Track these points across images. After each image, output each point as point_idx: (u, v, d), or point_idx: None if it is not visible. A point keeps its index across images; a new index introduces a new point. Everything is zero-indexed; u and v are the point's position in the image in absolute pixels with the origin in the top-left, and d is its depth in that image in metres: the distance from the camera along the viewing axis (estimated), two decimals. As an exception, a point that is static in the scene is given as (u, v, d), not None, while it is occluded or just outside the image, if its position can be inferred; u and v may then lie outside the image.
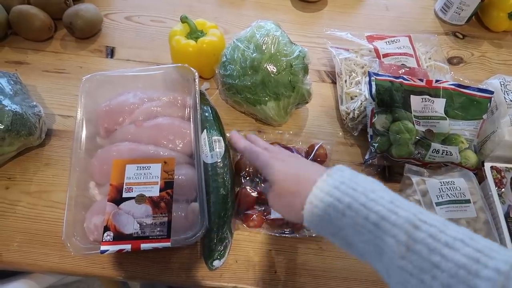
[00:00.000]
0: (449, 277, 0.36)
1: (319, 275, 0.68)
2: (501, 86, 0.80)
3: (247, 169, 0.74)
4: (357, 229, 0.43)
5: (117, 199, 0.64)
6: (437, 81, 0.77)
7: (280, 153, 0.58)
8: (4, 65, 0.87)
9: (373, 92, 0.76)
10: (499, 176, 0.73)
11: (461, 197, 0.69)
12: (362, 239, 0.43)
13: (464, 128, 0.77)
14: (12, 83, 0.74)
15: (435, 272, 0.37)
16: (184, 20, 0.81)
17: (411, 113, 0.75)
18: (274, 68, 0.74)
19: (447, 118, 0.76)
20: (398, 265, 0.39)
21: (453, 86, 0.77)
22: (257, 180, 0.74)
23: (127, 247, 0.60)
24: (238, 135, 0.66)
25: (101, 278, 0.88)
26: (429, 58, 0.94)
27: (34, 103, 0.75)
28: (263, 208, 0.71)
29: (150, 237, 0.61)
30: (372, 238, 0.42)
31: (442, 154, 0.73)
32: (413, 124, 0.74)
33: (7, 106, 0.68)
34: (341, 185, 0.46)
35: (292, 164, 0.55)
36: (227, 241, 0.66)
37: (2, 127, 0.66)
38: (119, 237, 0.61)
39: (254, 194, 0.71)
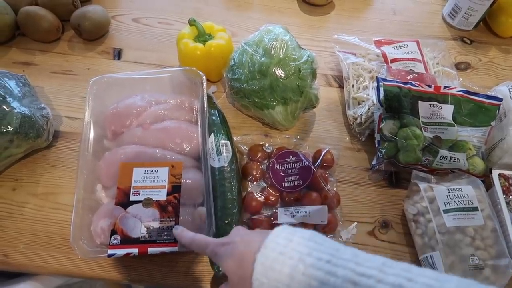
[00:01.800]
0: None
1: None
2: (510, 93, 0.79)
3: (254, 173, 0.74)
4: None
5: (124, 202, 0.64)
6: (445, 87, 0.77)
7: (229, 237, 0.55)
8: (11, 65, 0.88)
9: (381, 98, 0.76)
10: (507, 183, 0.72)
11: (468, 204, 0.68)
12: None
13: (472, 135, 0.76)
14: (21, 85, 0.74)
15: None
16: (192, 23, 0.81)
17: (419, 119, 0.75)
18: (283, 72, 0.74)
19: (455, 125, 0.75)
20: None
21: (461, 93, 0.77)
22: (264, 185, 0.74)
23: (134, 251, 0.60)
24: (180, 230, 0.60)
25: (106, 281, 0.88)
26: (437, 64, 0.94)
27: (42, 105, 0.75)
28: (270, 213, 0.71)
29: (157, 241, 0.61)
30: None
31: (449, 160, 0.73)
32: (421, 130, 0.74)
33: (15, 109, 0.68)
34: (279, 254, 0.45)
35: (235, 245, 0.52)
36: (233, 246, 0.66)
37: (10, 129, 0.66)
38: (126, 240, 0.61)
39: (261, 199, 0.71)
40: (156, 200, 0.64)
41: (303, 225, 0.69)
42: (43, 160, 0.76)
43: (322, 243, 0.45)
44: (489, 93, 0.80)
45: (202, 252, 0.57)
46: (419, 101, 0.76)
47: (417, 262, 0.69)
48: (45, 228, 0.69)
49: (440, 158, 0.73)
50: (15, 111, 0.68)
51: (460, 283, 0.37)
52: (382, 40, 0.94)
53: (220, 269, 0.64)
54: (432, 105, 0.76)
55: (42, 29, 0.88)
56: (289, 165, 0.74)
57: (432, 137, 0.75)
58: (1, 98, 0.67)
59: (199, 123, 0.73)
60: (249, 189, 0.74)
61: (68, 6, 0.92)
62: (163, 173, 0.66)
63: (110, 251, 0.60)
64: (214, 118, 0.77)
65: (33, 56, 0.90)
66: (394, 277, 0.39)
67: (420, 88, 0.76)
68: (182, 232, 0.59)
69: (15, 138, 0.67)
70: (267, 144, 0.78)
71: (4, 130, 0.66)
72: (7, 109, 0.67)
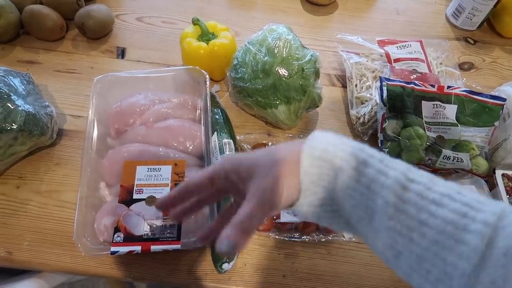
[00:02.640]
0: (438, 233, 0.36)
1: (328, 280, 0.68)
2: (514, 93, 0.79)
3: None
4: (348, 192, 0.41)
5: (128, 200, 0.64)
6: (448, 87, 0.77)
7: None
8: (16, 64, 0.88)
9: (384, 97, 0.76)
10: (510, 184, 0.72)
11: (472, 204, 0.68)
12: (353, 203, 0.41)
13: (475, 135, 0.76)
14: (25, 83, 0.74)
15: (424, 229, 0.36)
16: (195, 22, 0.81)
17: (422, 119, 0.75)
18: (286, 72, 0.74)
19: (459, 125, 0.75)
20: (387, 226, 0.38)
21: (465, 93, 0.77)
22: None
23: (137, 248, 0.60)
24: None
25: (109, 278, 0.89)
26: (440, 64, 0.93)
27: (47, 103, 0.76)
28: (272, 211, 0.71)
29: (160, 239, 0.61)
30: (364, 201, 0.40)
31: (453, 160, 0.73)
32: (424, 130, 0.74)
33: (20, 106, 0.69)
34: (329, 144, 0.42)
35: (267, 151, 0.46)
36: (236, 244, 0.66)
37: (15, 127, 0.66)
38: (129, 238, 0.61)
39: (264, 197, 0.71)
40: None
41: (306, 224, 0.69)
42: (47, 158, 0.76)
43: (370, 148, 0.43)
44: (492, 93, 0.80)
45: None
46: (423, 101, 0.76)
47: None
48: (48, 225, 0.69)
49: (443, 158, 0.73)
50: (20, 109, 0.68)
51: (508, 206, 0.36)
52: (386, 40, 0.94)
53: (223, 267, 0.64)
54: (435, 105, 0.76)
55: (46, 28, 0.89)
56: (292, 164, 0.74)
57: (435, 137, 0.75)
58: (6, 96, 0.68)
59: (202, 122, 0.74)
60: (252, 188, 0.74)
61: (72, 5, 0.93)
62: (166, 172, 0.67)
63: (113, 249, 0.60)
64: (217, 117, 0.77)
65: (37, 54, 0.90)
66: (444, 188, 0.37)
67: (423, 88, 0.76)
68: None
69: (20, 136, 0.68)
70: (270, 143, 0.78)
71: (9, 128, 0.66)
72: (12, 107, 0.67)
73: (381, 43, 0.93)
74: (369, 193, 0.40)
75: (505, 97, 0.77)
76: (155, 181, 0.66)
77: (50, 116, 0.74)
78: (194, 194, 0.49)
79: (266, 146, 0.77)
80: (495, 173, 0.73)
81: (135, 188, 0.65)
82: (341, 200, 0.42)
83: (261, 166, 0.43)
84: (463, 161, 0.73)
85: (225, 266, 0.64)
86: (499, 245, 0.33)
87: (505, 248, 0.32)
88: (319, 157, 0.42)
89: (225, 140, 0.74)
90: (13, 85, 0.72)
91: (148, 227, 0.62)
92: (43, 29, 0.89)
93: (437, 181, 0.39)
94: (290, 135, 0.82)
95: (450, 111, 0.76)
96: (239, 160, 0.46)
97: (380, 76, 0.79)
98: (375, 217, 0.40)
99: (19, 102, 0.69)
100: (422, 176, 0.39)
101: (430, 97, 0.76)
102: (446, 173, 0.77)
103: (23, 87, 0.73)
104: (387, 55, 0.90)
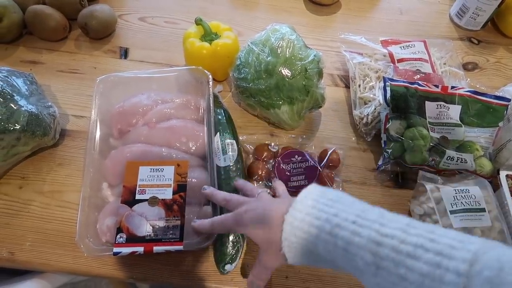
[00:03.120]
0: (418, 287, 0.37)
1: (330, 282, 0.67)
2: (518, 94, 0.79)
3: (260, 173, 0.73)
4: (332, 255, 0.45)
5: (130, 200, 0.64)
6: (452, 87, 0.76)
7: (242, 201, 0.59)
8: (19, 64, 0.88)
9: (387, 98, 0.76)
10: (514, 185, 0.72)
11: (476, 205, 0.68)
12: (340, 262, 0.45)
13: (479, 136, 0.76)
14: (28, 83, 0.74)
15: (405, 284, 0.38)
16: (198, 22, 0.81)
17: (426, 119, 0.75)
18: (289, 72, 0.74)
19: (462, 125, 0.75)
20: (374, 282, 0.42)
21: (469, 93, 0.76)
22: (270, 184, 0.73)
23: (140, 249, 0.60)
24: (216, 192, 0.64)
25: (111, 279, 0.89)
26: (444, 64, 0.93)
27: (49, 103, 0.76)
28: (275, 212, 0.71)
29: (163, 240, 0.61)
30: (347, 262, 0.44)
31: (456, 161, 0.73)
32: (428, 131, 0.73)
33: (23, 107, 0.68)
34: (307, 214, 0.48)
35: (260, 206, 0.56)
36: (239, 245, 0.66)
37: (18, 127, 0.66)
38: (132, 239, 0.61)
39: (267, 198, 0.70)
40: (162, 199, 0.64)
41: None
42: (49, 158, 0.76)
43: (350, 204, 0.48)
44: (497, 93, 0.80)
45: (224, 226, 0.59)
46: (426, 101, 0.75)
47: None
48: (51, 226, 0.69)
49: (447, 159, 0.73)
50: (23, 109, 0.68)
51: (485, 244, 0.37)
52: (389, 40, 0.94)
53: (225, 268, 0.64)
54: (439, 105, 0.75)
55: (49, 28, 0.89)
56: (294, 164, 0.74)
57: (439, 137, 0.74)
58: (9, 96, 0.68)
59: (205, 122, 0.73)
60: (255, 188, 0.74)
61: (75, 5, 0.93)
62: (169, 172, 0.67)
63: (115, 250, 0.60)
64: (220, 117, 0.77)
65: (40, 54, 0.90)
66: (416, 238, 0.39)
67: (427, 88, 0.76)
68: (215, 189, 0.64)
69: (22, 136, 0.68)
70: (272, 144, 0.78)
71: (12, 128, 0.66)
72: (15, 107, 0.67)
73: (385, 43, 0.93)
74: (348, 254, 0.43)
75: (510, 98, 0.76)
76: (158, 182, 0.66)
77: (53, 116, 0.74)
78: None
79: (269, 147, 0.77)
80: (499, 174, 0.73)
81: (137, 188, 0.65)
82: (329, 259, 0.47)
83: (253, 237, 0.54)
84: (467, 162, 0.73)
85: (228, 267, 0.64)
86: None
87: None
88: (297, 227, 0.48)
89: (228, 141, 0.74)
90: (16, 85, 0.72)
91: (151, 227, 0.62)
92: (46, 29, 0.89)
93: (410, 230, 0.41)
94: (293, 136, 0.81)
95: (454, 111, 0.75)
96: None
97: (383, 77, 0.79)
98: (364, 275, 0.43)
99: (22, 102, 0.69)
100: (396, 228, 0.41)
101: (434, 98, 0.75)
102: (450, 174, 0.76)
103: (26, 87, 0.73)
104: (391, 55, 0.89)
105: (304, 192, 0.51)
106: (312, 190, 0.51)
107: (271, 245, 0.51)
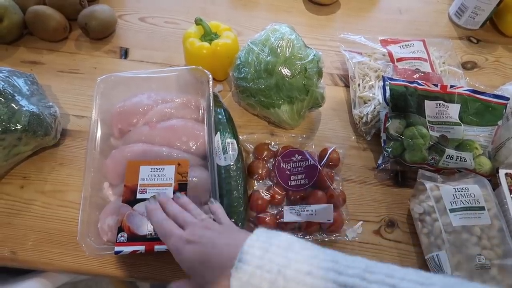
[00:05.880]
0: None
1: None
2: (517, 92, 0.79)
3: (260, 172, 0.74)
4: None
5: (131, 200, 0.64)
6: (451, 86, 0.77)
7: (197, 231, 0.51)
8: (19, 64, 0.88)
9: (387, 97, 0.76)
10: (514, 183, 0.72)
11: (475, 204, 0.68)
12: None
13: (478, 134, 0.76)
14: (29, 83, 0.75)
15: None
16: (198, 22, 0.81)
17: (425, 118, 0.75)
18: (289, 71, 0.74)
19: (462, 124, 0.75)
20: None
21: (468, 92, 0.77)
22: (270, 183, 0.74)
23: (141, 248, 0.60)
24: (155, 206, 0.57)
25: (112, 278, 0.89)
26: (443, 63, 0.93)
27: (50, 103, 0.76)
28: (275, 211, 0.71)
29: (164, 239, 0.61)
30: None
31: (456, 160, 0.73)
32: (427, 130, 0.74)
33: (24, 107, 0.69)
34: (256, 267, 0.42)
35: (206, 243, 0.49)
36: (239, 244, 0.66)
37: (19, 127, 0.67)
38: (133, 238, 0.61)
39: (267, 197, 0.71)
40: (163, 198, 0.64)
41: (309, 223, 0.69)
42: (50, 158, 0.76)
43: (300, 251, 0.43)
44: (495, 92, 0.80)
45: (163, 240, 0.53)
46: (425, 100, 0.76)
47: (423, 262, 0.69)
48: (52, 225, 0.69)
49: (446, 158, 0.73)
50: (24, 109, 0.68)
51: (445, 285, 0.36)
52: (388, 39, 0.94)
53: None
54: (438, 104, 0.76)
55: (50, 28, 0.89)
56: (295, 163, 0.74)
57: (438, 136, 0.74)
58: (10, 96, 0.68)
59: (205, 122, 0.74)
60: (255, 187, 0.74)
61: (76, 6, 0.93)
62: (169, 171, 0.67)
63: (117, 249, 0.60)
64: (220, 116, 0.77)
65: (41, 55, 0.91)
66: (377, 285, 0.38)
67: (426, 87, 0.76)
68: (155, 209, 0.56)
69: (24, 136, 0.68)
70: (273, 143, 0.78)
71: (13, 128, 0.66)
72: (16, 107, 0.68)
73: (384, 43, 0.93)
74: None
75: (508, 96, 0.77)
76: (159, 181, 0.66)
77: (54, 116, 0.74)
78: None
79: (269, 146, 0.77)
80: (498, 172, 0.73)
81: (138, 188, 0.65)
82: None
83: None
84: (466, 161, 0.73)
85: (229, 265, 0.64)
86: None
87: None
88: (247, 282, 0.42)
89: (228, 140, 0.74)
90: (17, 85, 0.72)
91: (152, 227, 0.62)
92: (47, 30, 0.89)
93: (369, 276, 0.38)
94: (293, 135, 0.82)
95: (453, 110, 0.76)
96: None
97: (383, 76, 0.79)
98: None
99: (23, 102, 0.70)
100: (353, 276, 0.39)
101: (433, 97, 0.76)
102: (449, 173, 0.76)
103: (27, 87, 0.74)
104: (390, 55, 0.90)
105: (249, 240, 0.45)
106: (258, 237, 0.46)
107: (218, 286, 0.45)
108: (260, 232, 0.47)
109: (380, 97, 0.81)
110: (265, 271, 0.42)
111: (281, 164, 0.74)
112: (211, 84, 0.75)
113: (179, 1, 1.05)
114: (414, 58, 0.89)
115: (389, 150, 0.75)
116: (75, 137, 0.79)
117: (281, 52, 0.75)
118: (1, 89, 0.68)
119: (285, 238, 0.45)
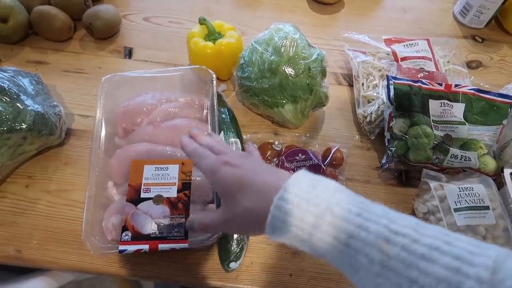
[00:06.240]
0: None
1: (335, 280, 0.68)
2: (522, 92, 0.79)
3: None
4: (327, 247, 0.39)
5: (135, 199, 0.64)
6: (456, 85, 0.76)
7: (236, 158, 0.49)
8: (24, 64, 0.89)
9: (391, 96, 0.76)
10: (519, 182, 0.72)
11: (480, 203, 0.68)
12: (333, 256, 0.40)
13: (483, 134, 0.76)
14: (34, 83, 0.75)
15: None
16: (202, 22, 0.82)
17: (430, 117, 0.75)
18: (292, 71, 0.74)
19: (466, 123, 0.75)
20: (375, 283, 0.37)
21: (472, 91, 0.76)
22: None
23: (145, 247, 0.61)
24: (189, 139, 0.56)
25: (117, 277, 0.89)
26: (448, 62, 0.93)
27: (55, 103, 0.76)
28: (279, 210, 0.71)
29: (168, 238, 0.61)
30: (345, 258, 0.39)
31: (460, 159, 0.73)
32: (432, 129, 0.73)
33: (29, 106, 0.69)
34: (302, 199, 0.40)
35: (248, 168, 0.47)
36: (243, 243, 0.66)
37: (24, 126, 0.67)
38: (137, 237, 0.61)
39: (271, 196, 0.71)
40: (167, 197, 0.65)
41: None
42: (55, 158, 0.77)
43: (350, 195, 0.41)
44: (501, 91, 0.80)
45: (197, 163, 0.51)
46: (430, 100, 0.75)
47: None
48: (57, 224, 0.70)
49: (451, 157, 0.73)
50: (29, 108, 0.69)
51: (501, 252, 0.35)
52: (392, 39, 0.94)
53: (230, 265, 0.64)
54: (443, 104, 0.75)
55: (55, 28, 0.90)
56: (298, 163, 0.74)
57: (442, 135, 0.74)
58: (15, 96, 0.68)
59: (209, 121, 0.74)
60: (259, 187, 0.74)
61: (80, 6, 0.93)
62: (173, 171, 0.67)
63: (121, 247, 0.60)
64: (223, 116, 0.78)
65: (46, 55, 0.91)
66: (431, 239, 0.36)
67: (430, 86, 0.76)
68: (190, 141, 0.55)
69: (29, 135, 0.68)
70: (276, 142, 0.78)
71: (18, 127, 0.67)
72: (21, 107, 0.68)
73: (388, 42, 0.93)
74: (348, 250, 0.38)
75: (514, 95, 0.76)
76: (163, 180, 0.66)
77: (58, 115, 0.75)
78: None
79: (273, 145, 0.77)
80: (503, 172, 0.73)
81: (142, 187, 0.65)
82: (320, 251, 0.40)
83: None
84: (470, 160, 0.73)
85: (232, 264, 0.65)
86: None
87: None
88: (288, 212, 0.40)
89: (232, 139, 0.74)
90: (22, 85, 0.72)
91: (156, 226, 0.62)
92: (52, 30, 0.90)
93: (422, 230, 0.37)
94: (296, 134, 0.82)
95: (458, 109, 0.75)
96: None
97: (387, 75, 0.79)
98: (360, 272, 0.38)
99: (28, 102, 0.70)
100: (406, 226, 0.37)
101: (438, 96, 0.76)
102: (453, 172, 0.76)
103: (32, 87, 0.74)
104: (394, 54, 0.89)
105: (296, 176, 0.43)
106: (305, 175, 0.43)
107: (251, 220, 0.44)
108: (306, 172, 0.44)
109: (384, 96, 0.81)
110: (312, 204, 0.40)
111: (285, 163, 0.74)
112: (215, 84, 0.75)
113: (183, 1, 1.06)
114: (419, 57, 0.89)
115: (393, 149, 0.75)
116: (79, 137, 0.80)
117: (284, 51, 0.75)
118: (7, 88, 0.68)
119: (333, 182, 0.43)
